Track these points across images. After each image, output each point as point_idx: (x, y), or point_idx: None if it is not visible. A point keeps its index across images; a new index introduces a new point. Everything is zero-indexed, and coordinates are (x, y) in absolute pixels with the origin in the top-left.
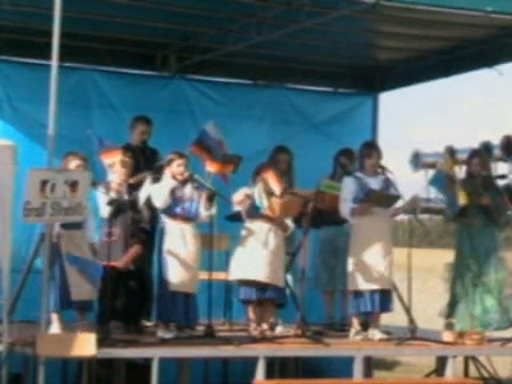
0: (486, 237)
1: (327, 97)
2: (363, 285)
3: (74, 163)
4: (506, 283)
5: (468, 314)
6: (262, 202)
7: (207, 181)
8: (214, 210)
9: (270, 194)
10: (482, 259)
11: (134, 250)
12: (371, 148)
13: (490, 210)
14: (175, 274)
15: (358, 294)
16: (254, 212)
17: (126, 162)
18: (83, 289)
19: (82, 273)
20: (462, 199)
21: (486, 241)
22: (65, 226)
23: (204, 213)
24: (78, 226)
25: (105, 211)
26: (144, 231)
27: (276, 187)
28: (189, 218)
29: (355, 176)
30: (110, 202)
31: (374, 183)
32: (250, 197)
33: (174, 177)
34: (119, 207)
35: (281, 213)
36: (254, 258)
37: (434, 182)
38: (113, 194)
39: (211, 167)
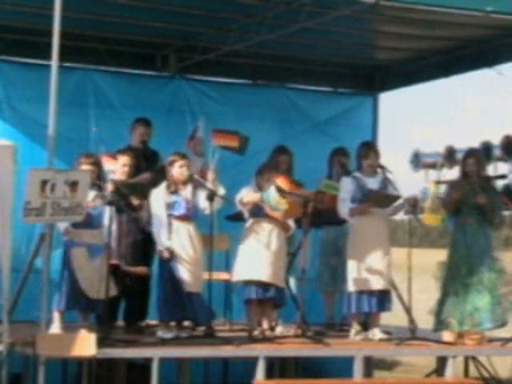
0: (480, 236)
1: (327, 97)
2: (362, 285)
3: (83, 168)
4: (500, 283)
5: (458, 312)
6: (278, 203)
7: (214, 157)
8: (214, 207)
9: (283, 196)
10: (475, 258)
11: (140, 270)
12: (368, 148)
13: (485, 209)
14: (186, 274)
15: (357, 294)
16: (258, 212)
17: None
18: (93, 287)
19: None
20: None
21: (481, 240)
22: (74, 223)
23: (205, 210)
24: (85, 225)
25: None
26: (143, 231)
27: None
28: (193, 217)
29: (353, 176)
30: (109, 202)
31: (373, 183)
32: (258, 200)
33: (172, 180)
34: (117, 207)
35: (285, 214)
36: (258, 258)
37: None
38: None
39: (217, 140)
